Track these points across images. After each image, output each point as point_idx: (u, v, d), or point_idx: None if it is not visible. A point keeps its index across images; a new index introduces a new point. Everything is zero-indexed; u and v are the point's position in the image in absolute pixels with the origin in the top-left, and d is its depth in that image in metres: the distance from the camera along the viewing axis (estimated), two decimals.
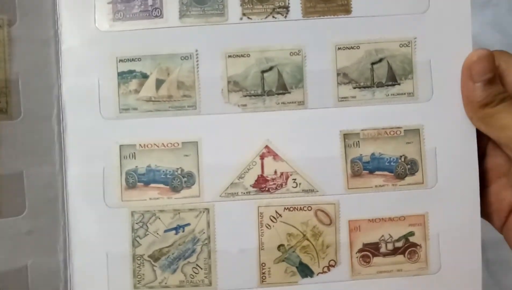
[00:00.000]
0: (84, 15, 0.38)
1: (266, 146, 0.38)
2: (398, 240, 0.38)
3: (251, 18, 0.38)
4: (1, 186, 0.33)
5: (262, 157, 0.38)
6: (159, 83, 0.38)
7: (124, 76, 0.38)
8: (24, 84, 0.35)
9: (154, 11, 0.38)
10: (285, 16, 0.38)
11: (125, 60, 0.38)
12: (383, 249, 0.38)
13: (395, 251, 0.38)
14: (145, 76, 0.38)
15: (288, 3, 0.38)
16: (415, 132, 0.38)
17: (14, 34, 0.35)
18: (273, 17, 0.38)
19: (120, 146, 0.38)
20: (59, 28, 0.38)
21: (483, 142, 0.39)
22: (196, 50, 0.38)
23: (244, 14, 0.38)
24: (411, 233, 0.38)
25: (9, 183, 0.34)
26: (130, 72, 0.38)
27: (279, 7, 0.38)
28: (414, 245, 0.38)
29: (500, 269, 0.47)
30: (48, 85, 0.37)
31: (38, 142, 0.36)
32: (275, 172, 0.38)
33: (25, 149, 0.35)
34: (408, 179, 0.38)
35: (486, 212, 0.39)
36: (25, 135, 0.35)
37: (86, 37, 0.38)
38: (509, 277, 0.54)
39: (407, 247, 0.38)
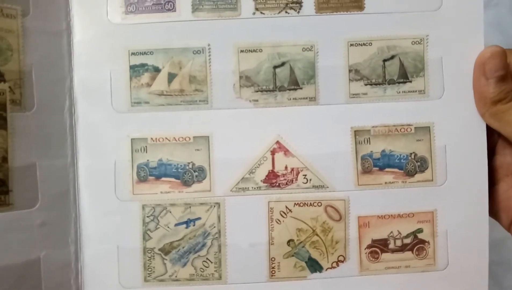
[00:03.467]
0: (96, 7, 0.38)
1: (277, 142, 0.38)
2: (406, 236, 0.39)
3: (264, 13, 0.38)
4: (15, 178, 0.33)
5: (273, 152, 0.38)
6: (171, 77, 0.38)
7: (136, 69, 0.38)
8: (37, 75, 0.35)
9: (167, 4, 0.38)
10: (298, 12, 0.38)
11: (137, 53, 0.38)
12: (391, 245, 0.39)
13: (403, 248, 0.39)
14: (157, 70, 0.38)
15: None
16: (426, 130, 0.38)
17: (27, 25, 0.35)
18: (286, 12, 0.38)
19: (132, 139, 0.38)
20: (71, 20, 0.38)
21: (493, 140, 0.39)
22: (209, 45, 0.38)
23: (257, 9, 0.38)
24: (420, 230, 0.39)
25: (22, 175, 0.34)
26: (142, 65, 0.38)
27: (292, 2, 0.38)
28: (423, 241, 0.39)
29: (500, 269, 0.47)
30: (61, 77, 0.36)
31: (51, 135, 0.36)
32: (286, 167, 0.38)
33: (38, 141, 0.35)
34: (418, 176, 0.38)
35: (493, 210, 0.39)
36: (38, 127, 0.35)
37: (98, 30, 0.38)
38: (509, 277, 0.55)
39: (415, 244, 0.39)
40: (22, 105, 0.34)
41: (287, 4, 0.38)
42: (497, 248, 0.40)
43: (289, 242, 0.38)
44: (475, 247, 0.38)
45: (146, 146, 0.38)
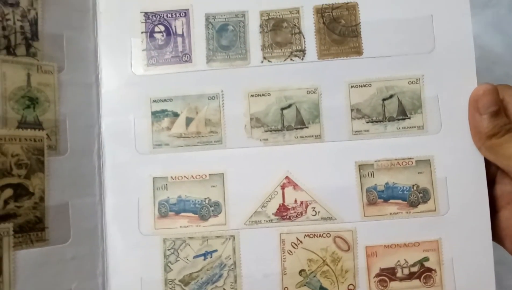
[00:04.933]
0: (122, 61, 0.42)
1: (287, 177, 0.41)
2: (413, 265, 0.40)
3: (271, 61, 0.42)
4: (50, 216, 0.37)
5: (283, 187, 0.41)
6: (188, 120, 0.42)
7: (157, 115, 0.42)
8: (71, 123, 0.39)
9: (184, 57, 0.42)
10: (302, 59, 0.42)
11: (158, 101, 0.42)
12: (399, 274, 0.40)
13: (411, 276, 0.40)
14: (176, 115, 0.42)
15: (305, 47, 0.42)
16: (426, 163, 0.41)
17: (62, 79, 0.39)
18: (291, 59, 0.42)
19: (154, 178, 0.41)
20: (100, 73, 0.42)
21: (492, 170, 0.41)
22: (222, 91, 0.42)
23: (264, 58, 0.42)
24: (426, 259, 0.40)
25: (56, 213, 0.37)
26: (163, 111, 0.42)
27: (296, 50, 0.42)
28: (429, 270, 0.40)
29: (501, 270, 0.47)
30: (90, 124, 0.41)
31: (81, 176, 0.40)
32: (295, 201, 0.41)
33: (70, 182, 0.39)
34: (421, 207, 0.41)
35: (498, 236, 0.41)
36: (70, 169, 0.39)
37: (123, 81, 0.42)
38: (509, 277, 0.54)
39: (422, 272, 0.40)
40: (57, 150, 0.38)
41: (291, 52, 0.42)
42: (497, 247, 0.41)
43: (301, 272, 0.41)
44: (481, 273, 0.40)
45: (166, 184, 0.41)
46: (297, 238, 0.41)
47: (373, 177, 0.41)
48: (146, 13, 0.43)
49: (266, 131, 0.42)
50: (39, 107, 0.38)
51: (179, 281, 0.41)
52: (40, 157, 0.37)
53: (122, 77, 0.42)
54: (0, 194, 0.35)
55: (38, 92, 0.38)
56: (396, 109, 0.41)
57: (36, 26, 0.38)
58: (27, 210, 0.36)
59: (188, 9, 0.43)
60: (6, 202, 0.35)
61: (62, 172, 0.38)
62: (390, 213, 0.41)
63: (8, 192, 0.35)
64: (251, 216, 0.41)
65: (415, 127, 0.41)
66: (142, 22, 0.43)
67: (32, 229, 0.36)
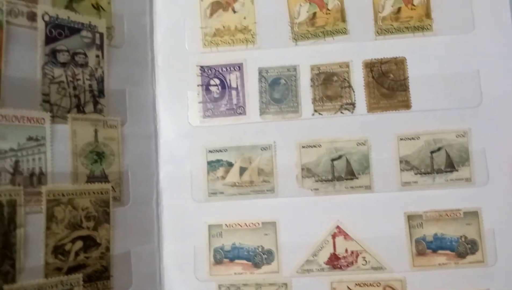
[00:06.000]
0: (179, 113, 0.45)
1: (337, 227, 0.43)
2: None
3: (322, 114, 0.44)
4: (114, 264, 0.39)
5: (334, 236, 0.43)
6: (242, 170, 0.44)
7: (212, 165, 0.44)
8: (132, 174, 0.41)
9: (238, 109, 0.44)
10: (352, 112, 0.43)
11: (213, 151, 0.44)
12: None
13: None
14: (230, 165, 0.44)
15: (355, 100, 0.43)
16: (474, 214, 0.42)
17: (125, 132, 0.42)
18: (341, 112, 0.43)
19: (209, 225, 0.43)
20: (158, 124, 0.45)
21: None
22: (274, 142, 0.44)
23: (315, 111, 0.44)
24: None
25: (120, 261, 0.39)
26: (218, 161, 0.44)
27: (347, 104, 0.44)
28: None
29: None
30: (150, 173, 0.43)
31: (142, 224, 0.42)
32: (346, 250, 0.42)
33: (132, 230, 0.41)
34: (469, 258, 0.41)
35: None
36: (132, 218, 0.41)
37: (181, 132, 0.44)
38: None
39: None
40: (121, 200, 0.41)
41: (342, 105, 0.44)
42: None
43: None
44: None
45: (221, 232, 0.43)
46: (348, 287, 0.42)
47: (422, 227, 0.42)
48: (202, 66, 0.45)
49: (317, 181, 0.43)
50: (105, 161, 0.40)
51: None
52: (106, 208, 0.39)
53: (180, 128, 0.44)
54: (72, 247, 0.37)
55: (104, 147, 0.40)
56: (444, 161, 0.43)
57: (102, 84, 0.40)
58: (95, 260, 0.38)
59: (242, 63, 0.45)
60: (77, 253, 0.37)
61: (125, 221, 0.40)
62: (439, 264, 0.42)
63: (79, 244, 0.37)
64: (303, 264, 0.42)
65: (462, 179, 0.42)
66: (198, 76, 0.45)
67: (99, 278, 0.38)
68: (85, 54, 0.40)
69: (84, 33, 0.40)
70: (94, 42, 0.40)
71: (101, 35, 0.41)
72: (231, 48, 0.45)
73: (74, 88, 0.39)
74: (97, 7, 0.41)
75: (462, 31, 0.43)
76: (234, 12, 0.45)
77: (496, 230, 0.42)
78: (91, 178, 0.39)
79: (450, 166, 0.43)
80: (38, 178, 0.35)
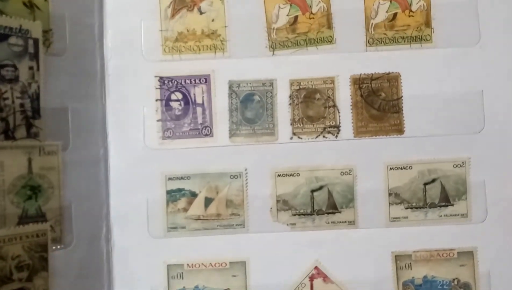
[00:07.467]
0: (133, 133, 0.38)
1: (316, 267, 0.37)
2: None
3: (301, 138, 0.38)
4: None
5: (311, 278, 0.37)
6: (208, 201, 0.38)
7: (172, 195, 0.38)
8: (76, 209, 0.35)
9: (204, 130, 0.38)
10: (336, 136, 0.38)
11: (174, 178, 0.38)
12: None
13: None
14: (194, 195, 0.38)
15: (339, 122, 0.38)
16: (469, 255, 0.37)
17: (67, 159, 0.35)
18: (324, 136, 0.38)
19: (168, 265, 0.37)
20: (108, 146, 0.38)
21: None
22: (246, 169, 0.38)
23: (294, 134, 0.38)
24: None
25: None
26: (179, 190, 0.38)
27: (330, 126, 0.38)
28: None
29: None
30: (97, 206, 0.37)
31: (89, 268, 0.36)
32: None
33: (77, 275, 0.35)
34: None
35: None
36: (76, 262, 0.35)
37: (135, 156, 0.38)
38: None
39: None
40: (62, 241, 0.34)
41: (324, 128, 0.38)
42: None
43: None
44: None
45: (182, 273, 0.37)
46: None
47: (411, 269, 0.37)
48: (161, 78, 0.38)
49: (294, 215, 0.38)
50: (41, 196, 0.33)
51: None
52: (44, 253, 0.33)
53: (134, 150, 0.38)
54: None
55: (40, 179, 0.33)
56: (438, 194, 0.38)
57: (38, 102, 0.33)
58: None
59: (209, 74, 0.38)
60: None
61: (67, 266, 0.34)
62: None
63: None
64: None
65: (458, 215, 0.38)
66: (156, 88, 0.38)
67: None
68: (14, 67, 0.32)
69: (13, 40, 0.32)
70: (26, 51, 0.33)
71: (36, 41, 0.33)
72: (197, 56, 0.38)
73: (1, 109, 0.32)
74: (31, 6, 0.34)
75: (465, 43, 0.37)
76: (201, 13, 0.38)
77: (492, 273, 0.37)
78: (24, 219, 0.32)
79: (445, 200, 0.38)
80: None
